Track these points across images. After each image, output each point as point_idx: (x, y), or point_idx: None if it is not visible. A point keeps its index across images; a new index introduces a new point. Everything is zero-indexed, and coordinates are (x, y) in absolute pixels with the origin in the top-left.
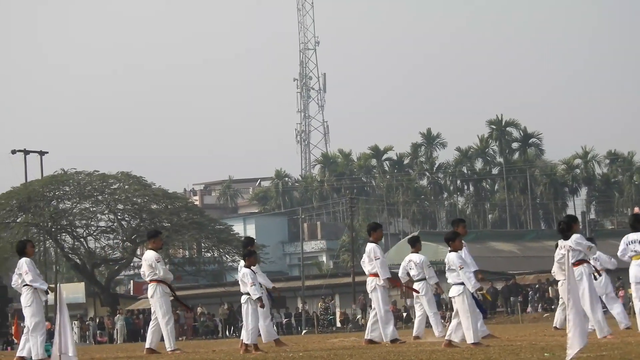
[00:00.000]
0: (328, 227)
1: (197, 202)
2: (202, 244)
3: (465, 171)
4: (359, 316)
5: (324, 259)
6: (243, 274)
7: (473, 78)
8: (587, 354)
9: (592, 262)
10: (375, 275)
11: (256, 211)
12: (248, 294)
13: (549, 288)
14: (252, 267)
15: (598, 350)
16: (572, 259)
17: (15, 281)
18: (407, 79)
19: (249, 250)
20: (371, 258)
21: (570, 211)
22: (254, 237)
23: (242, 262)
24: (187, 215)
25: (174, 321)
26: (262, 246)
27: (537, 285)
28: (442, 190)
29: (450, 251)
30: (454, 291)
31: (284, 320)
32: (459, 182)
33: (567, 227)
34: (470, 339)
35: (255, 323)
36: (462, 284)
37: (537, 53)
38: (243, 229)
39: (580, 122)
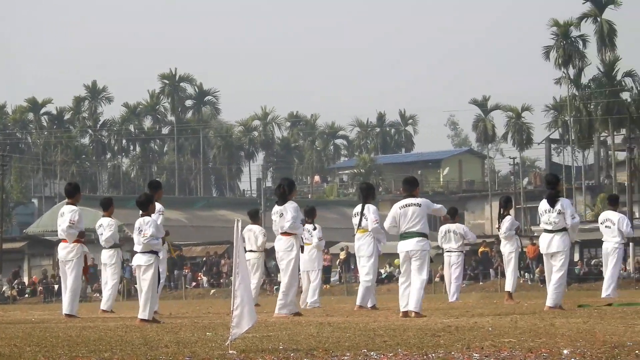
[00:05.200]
0: None
1: None
2: None
3: (133, 130)
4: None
5: None
6: None
7: (146, 23)
8: (252, 334)
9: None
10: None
11: None
12: None
13: (221, 261)
14: None
15: (265, 331)
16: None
17: None
18: (73, 21)
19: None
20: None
21: (245, 177)
22: None
23: None
24: None
25: None
26: None
27: (204, 259)
28: (106, 150)
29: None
30: None
31: None
32: (124, 141)
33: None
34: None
35: None
36: None
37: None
38: None
39: (260, 79)
